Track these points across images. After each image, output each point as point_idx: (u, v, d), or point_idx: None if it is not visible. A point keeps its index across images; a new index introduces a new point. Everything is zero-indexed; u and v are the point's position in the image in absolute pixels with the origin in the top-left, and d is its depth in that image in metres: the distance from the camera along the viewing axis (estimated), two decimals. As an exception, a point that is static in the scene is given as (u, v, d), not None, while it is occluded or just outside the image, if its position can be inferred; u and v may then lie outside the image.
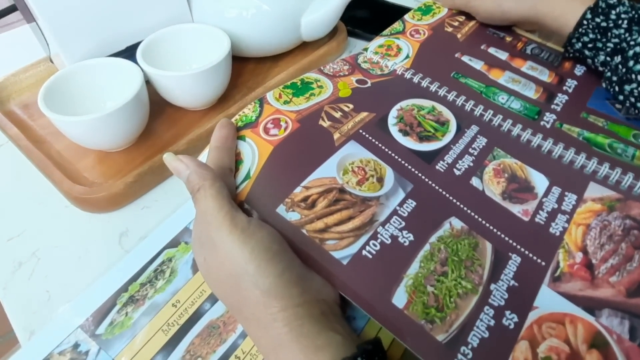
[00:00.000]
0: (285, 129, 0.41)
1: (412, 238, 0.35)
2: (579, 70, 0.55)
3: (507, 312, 0.33)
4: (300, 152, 0.39)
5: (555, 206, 0.39)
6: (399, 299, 0.32)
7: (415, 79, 0.50)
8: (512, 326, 0.32)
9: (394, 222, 0.36)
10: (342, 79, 0.48)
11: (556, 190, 0.40)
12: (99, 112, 0.43)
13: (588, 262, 0.36)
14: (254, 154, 0.39)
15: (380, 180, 0.39)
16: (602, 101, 0.50)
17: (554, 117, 0.47)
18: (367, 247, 0.34)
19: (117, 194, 0.46)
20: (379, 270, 0.33)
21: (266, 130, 0.41)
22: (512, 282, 0.34)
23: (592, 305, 0.33)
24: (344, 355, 0.28)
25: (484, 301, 0.33)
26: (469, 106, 0.47)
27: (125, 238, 0.45)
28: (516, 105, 0.49)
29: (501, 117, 0.46)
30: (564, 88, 0.52)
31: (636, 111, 0.47)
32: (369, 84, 0.49)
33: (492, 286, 0.34)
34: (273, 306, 0.29)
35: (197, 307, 0.38)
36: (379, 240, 0.35)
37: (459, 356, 0.30)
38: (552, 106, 0.49)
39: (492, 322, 0.32)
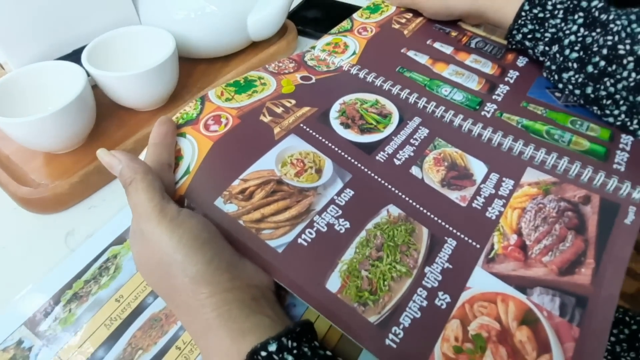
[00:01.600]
0: (226, 125, 0.41)
1: (348, 225, 0.36)
2: (521, 61, 0.56)
3: (440, 293, 0.34)
4: (239, 146, 0.40)
5: (493, 191, 0.40)
6: (333, 283, 0.33)
7: (361, 74, 0.51)
8: (444, 306, 0.33)
9: (331, 210, 0.37)
10: (287, 76, 0.49)
11: (494, 177, 0.42)
12: (41, 114, 0.43)
13: (522, 244, 0.37)
14: (193, 150, 0.39)
15: (319, 171, 0.40)
16: (542, 90, 0.52)
17: (495, 106, 0.49)
18: (303, 236, 0.35)
19: (62, 194, 0.46)
20: (313, 257, 0.34)
21: (206, 127, 0.41)
22: (447, 264, 0.35)
23: (524, 284, 0.34)
24: None
25: (417, 283, 0.34)
26: (412, 99, 0.48)
27: (72, 237, 0.45)
28: (459, 96, 0.50)
29: (443, 108, 0.47)
30: (506, 79, 0.53)
31: (574, 98, 0.49)
32: (313, 81, 0.50)
33: (427, 269, 0.35)
34: (201, 292, 0.30)
35: (140, 301, 0.38)
36: (314, 229, 0.36)
37: (390, 336, 0.31)
38: (494, 96, 0.50)
39: (425, 303, 0.33)
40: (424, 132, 0.45)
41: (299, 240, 0.35)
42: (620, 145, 0.44)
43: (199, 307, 0.30)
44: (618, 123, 0.46)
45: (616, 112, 0.45)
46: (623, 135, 0.46)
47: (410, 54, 0.56)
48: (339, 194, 0.38)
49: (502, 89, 0.51)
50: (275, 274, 0.34)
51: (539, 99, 0.50)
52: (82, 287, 0.39)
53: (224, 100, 0.44)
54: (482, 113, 0.48)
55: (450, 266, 0.35)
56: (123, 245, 0.42)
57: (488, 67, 0.55)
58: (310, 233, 0.35)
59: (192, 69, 0.64)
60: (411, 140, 0.44)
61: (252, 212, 0.36)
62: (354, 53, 0.55)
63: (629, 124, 0.45)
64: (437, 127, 0.46)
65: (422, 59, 0.55)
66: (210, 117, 0.42)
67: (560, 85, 0.49)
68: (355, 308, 0.32)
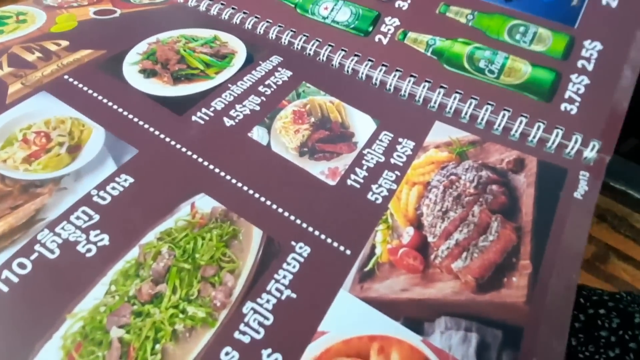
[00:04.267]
0: None
1: (106, 242, 0.20)
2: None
3: (266, 352, 0.18)
4: None
5: (382, 159, 0.26)
6: (43, 363, 0.17)
7: (202, 6, 0.35)
8: (269, 378, 0.18)
9: (79, 218, 0.21)
10: (71, 11, 0.32)
11: (386, 137, 0.27)
12: None
13: (421, 241, 0.23)
14: None
15: (76, 149, 0.23)
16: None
17: (397, 22, 0.33)
18: (5, 273, 0.19)
19: None
20: (18, 313, 0.18)
21: None
22: (287, 292, 0.20)
23: (419, 315, 0.20)
24: None
25: (223, 339, 0.19)
26: (273, 33, 0.33)
27: None
28: (344, 15, 0.34)
29: (318, 42, 0.32)
30: None
31: None
32: (116, 15, 0.33)
33: (248, 306, 0.19)
34: None
35: None
36: (34, 256, 0.20)
37: None
38: (397, 4, 0.34)
39: (232, 378, 0.18)
40: (284, 74, 0.30)
41: None
42: (580, 64, 0.30)
43: None
44: None
45: None
46: (587, 42, 0.30)
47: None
48: (102, 186, 0.22)
49: None
50: None
51: None
52: None
53: None
54: (377, 38, 0.33)
55: (294, 295, 0.20)
56: None
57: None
58: (22, 266, 0.19)
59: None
60: (260, 88, 0.29)
61: None
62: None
63: None
64: (306, 67, 0.31)
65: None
66: None
67: None
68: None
